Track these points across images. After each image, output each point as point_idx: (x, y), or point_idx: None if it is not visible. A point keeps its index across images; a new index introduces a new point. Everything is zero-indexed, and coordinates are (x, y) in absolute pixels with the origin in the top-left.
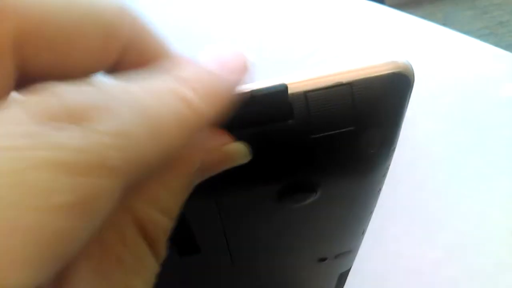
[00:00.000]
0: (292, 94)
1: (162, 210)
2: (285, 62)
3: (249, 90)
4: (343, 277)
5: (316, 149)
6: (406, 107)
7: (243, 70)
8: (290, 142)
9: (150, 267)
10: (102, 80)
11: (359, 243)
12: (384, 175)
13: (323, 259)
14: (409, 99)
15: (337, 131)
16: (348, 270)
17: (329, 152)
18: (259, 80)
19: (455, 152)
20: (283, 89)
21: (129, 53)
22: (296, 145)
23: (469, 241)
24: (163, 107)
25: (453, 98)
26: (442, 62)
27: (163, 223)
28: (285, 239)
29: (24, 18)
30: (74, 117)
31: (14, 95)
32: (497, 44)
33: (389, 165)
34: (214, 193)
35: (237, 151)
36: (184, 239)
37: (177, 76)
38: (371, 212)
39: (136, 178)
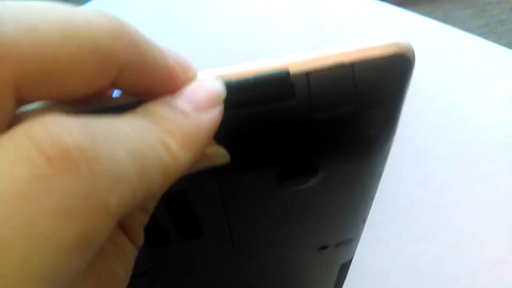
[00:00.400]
0: (294, 74)
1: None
2: None
3: (251, 74)
4: (344, 268)
5: (317, 130)
6: (407, 89)
7: (215, 103)
8: (291, 122)
9: (128, 253)
10: (101, 117)
11: (360, 231)
12: (385, 159)
13: (324, 247)
14: (410, 81)
15: (339, 111)
16: (349, 262)
17: (330, 132)
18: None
19: (455, 149)
20: (284, 75)
21: (126, 72)
22: (298, 125)
23: (469, 239)
24: (152, 153)
25: (454, 95)
26: (442, 59)
27: (138, 216)
28: (286, 225)
29: (24, 61)
30: (84, 156)
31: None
32: (496, 42)
33: (390, 148)
34: (216, 175)
35: (216, 154)
36: (187, 222)
37: (160, 120)
38: (372, 198)
39: (125, 214)
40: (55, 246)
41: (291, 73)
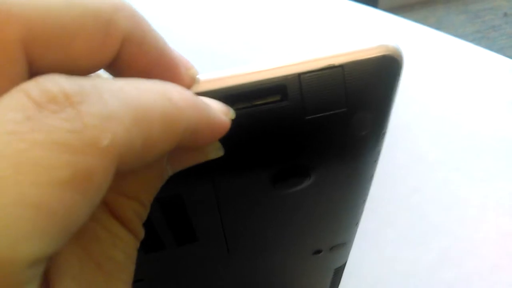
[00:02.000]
0: (286, 75)
1: (127, 195)
2: None
3: (245, 79)
4: (338, 273)
5: (309, 131)
6: (396, 90)
7: (224, 113)
8: (284, 123)
9: (128, 241)
10: (99, 76)
11: (353, 235)
12: (376, 161)
13: (318, 251)
14: (398, 82)
15: (330, 112)
16: (343, 266)
17: (322, 133)
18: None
19: (449, 155)
20: (278, 80)
21: (128, 45)
22: (290, 126)
23: (464, 244)
24: (148, 100)
25: (447, 101)
26: (435, 66)
27: (131, 206)
28: (280, 228)
29: (29, 21)
30: (70, 100)
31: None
32: (489, 47)
33: (380, 150)
34: (211, 177)
35: (209, 146)
36: (182, 227)
37: (169, 84)
38: (364, 202)
39: (127, 164)
40: (49, 177)
41: (283, 75)
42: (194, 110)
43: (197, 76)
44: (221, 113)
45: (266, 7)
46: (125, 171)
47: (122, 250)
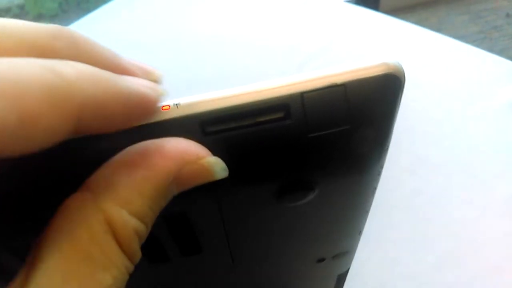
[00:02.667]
0: (290, 95)
1: (132, 212)
2: (283, 69)
3: (249, 99)
4: (341, 279)
5: (313, 148)
6: (398, 107)
7: (152, 88)
8: (287, 141)
9: (119, 264)
10: None
11: (356, 243)
12: (379, 174)
13: (321, 260)
14: (400, 99)
15: (333, 130)
16: (346, 272)
17: (325, 151)
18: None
19: (451, 157)
20: (282, 99)
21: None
22: (294, 144)
23: (466, 246)
24: (25, 74)
25: (449, 103)
26: (438, 68)
27: (133, 224)
28: (284, 239)
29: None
30: None
31: None
32: (491, 48)
33: (383, 164)
34: (215, 192)
35: (214, 166)
36: (186, 239)
37: (67, 62)
38: (367, 212)
39: (4, 142)
40: None
41: (286, 94)
42: (92, 82)
43: (201, 96)
44: (145, 88)
45: (266, 9)
46: (9, 150)
47: (112, 274)
